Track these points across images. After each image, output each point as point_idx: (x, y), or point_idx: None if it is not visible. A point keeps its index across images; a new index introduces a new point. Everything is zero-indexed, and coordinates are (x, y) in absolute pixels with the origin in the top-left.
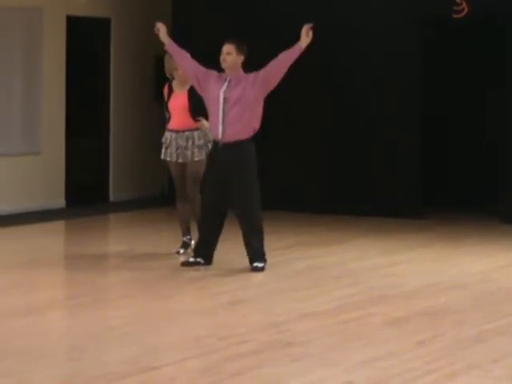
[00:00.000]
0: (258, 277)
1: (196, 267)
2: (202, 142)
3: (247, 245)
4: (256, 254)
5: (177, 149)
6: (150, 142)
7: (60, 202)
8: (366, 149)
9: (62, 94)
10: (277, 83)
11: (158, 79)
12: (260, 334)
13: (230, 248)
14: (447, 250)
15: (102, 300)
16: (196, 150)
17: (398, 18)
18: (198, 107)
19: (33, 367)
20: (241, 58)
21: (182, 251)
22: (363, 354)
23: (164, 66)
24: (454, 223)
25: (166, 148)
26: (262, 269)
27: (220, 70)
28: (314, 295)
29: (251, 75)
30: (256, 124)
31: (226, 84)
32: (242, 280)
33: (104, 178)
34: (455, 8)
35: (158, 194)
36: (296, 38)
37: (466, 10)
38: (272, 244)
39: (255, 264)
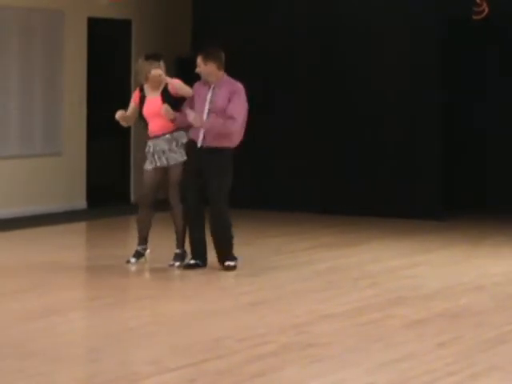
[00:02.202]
0: (277, 278)
1: (196, 269)
2: (184, 139)
3: (215, 244)
4: (224, 253)
5: (163, 152)
6: None
7: (81, 203)
8: (385, 150)
9: (83, 95)
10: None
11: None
12: (280, 335)
13: (250, 250)
14: (467, 252)
15: (122, 301)
16: (182, 150)
17: (416, 18)
18: (172, 108)
19: (54, 368)
20: (211, 66)
21: (133, 260)
22: (383, 356)
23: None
24: (474, 224)
25: (152, 156)
26: (234, 267)
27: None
28: (334, 297)
29: (231, 87)
30: (239, 134)
31: (210, 94)
32: (261, 281)
33: (125, 179)
34: (475, 9)
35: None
36: (311, 36)
37: (486, 11)
38: (291, 245)
39: (227, 263)
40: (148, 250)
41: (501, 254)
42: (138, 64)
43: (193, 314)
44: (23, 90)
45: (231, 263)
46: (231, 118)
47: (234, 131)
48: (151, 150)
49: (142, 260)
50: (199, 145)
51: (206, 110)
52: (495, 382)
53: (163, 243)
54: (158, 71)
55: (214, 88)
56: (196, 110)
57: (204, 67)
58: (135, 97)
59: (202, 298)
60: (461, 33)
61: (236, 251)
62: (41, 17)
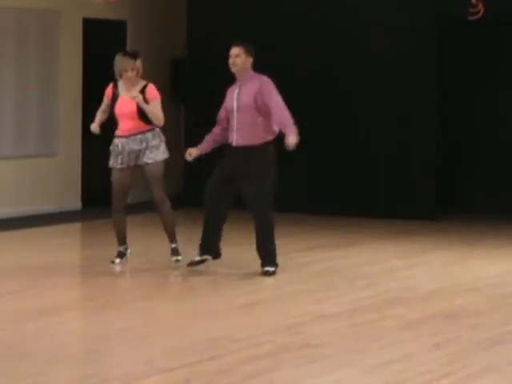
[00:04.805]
0: (272, 279)
1: (204, 264)
2: (156, 142)
3: (259, 248)
4: (267, 258)
5: (129, 153)
6: (166, 143)
7: (76, 203)
8: (380, 150)
9: (79, 96)
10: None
11: (174, 81)
12: (275, 335)
13: (245, 250)
14: (463, 253)
15: (117, 302)
16: (148, 151)
17: (412, 18)
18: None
19: (49, 369)
20: (249, 60)
21: (117, 261)
22: (379, 357)
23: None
24: (470, 225)
25: (117, 155)
26: (272, 273)
27: (231, 74)
28: (330, 297)
29: (258, 81)
30: (273, 127)
31: (237, 91)
32: (257, 282)
33: None
34: (471, 10)
35: (174, 195)
36: (308, 35)
37: (482, 12)
38: (287, 246)
39: (266, 268)
40: (129, 250)
41: (497, 255)
42: (115, 60)
43: (188, 314)
44: (18, 91)
45: (270, 269)
46: (273, 109)
47: (287, 119)
48: (119, 148)
49: (124, 260)
50: (234, 144)
51: (234, 108)
52: (490, 382)
53: (156, 244)
54: (136, 96)
55: (240, 85)
56: (226, 109)
57: (245, 59)
58: (108, 93)
59: (197, 299)
60: (458, 33)
61: (232, 252)
62: (36, 17)
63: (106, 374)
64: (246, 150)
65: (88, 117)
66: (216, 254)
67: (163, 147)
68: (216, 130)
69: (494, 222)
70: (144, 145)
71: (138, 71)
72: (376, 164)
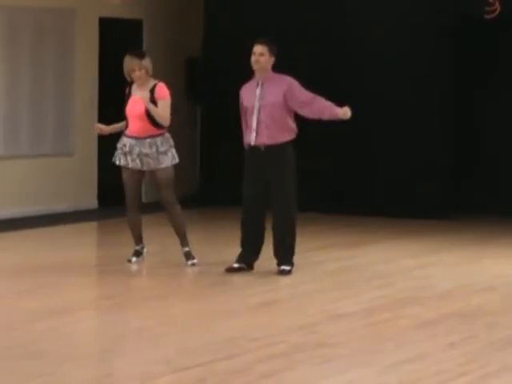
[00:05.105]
0: (288, 278)
1: (241, 272)
2: (165, 148)
3: (276, 247)
4: (284, 257)
5: (138, 155)
6: (182, 142)
7: (92, 202)
8: (393, 150)
9: (95, 95)
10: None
11: (190, 80)
12: (291, 335)
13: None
14: (478, 252)
15: (133, 301)
16: (160, 157)
17: (412, 18)
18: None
19: (64, 368)
20: (272, 60)
21: (134, 259)
22: (394, 356)
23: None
24: (484, 224)
25: (125, 154)
26: (288, 272)
27: (249, 71)
28: (345, 297)
29: (283, 81)
30: (293, 125)
31: (259, 90)
32: (272, 281)
33: None
34: (487, 8)
35: (190, 194)
36: (308, 35)
37: (498, 10)
38: (302, 245)
39: (282, 267)
40: (145, 249)
41: (509, 254)
42: (123, 61)
43: (203, 314)
44: (35, 90)
45: (287, 268)
46: (309, 101)
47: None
48: (127, 148)
49: (141, 259)
50: (253, 143)
51: (256, 108)
52: (507, 382)
53: (172, 243)
54: (142, 95)
55: (262, 84)
56: (247, 109)
57: (268, 58)
58: (126, 94)
59: (212, 299)
60: (458, 33)
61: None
62: (53, 16)
63: (122, 373)
64: (266, 149)
65: (104, 116)
66: (250, 267)
67: (172, 152)
68: (246, 129)
69: (505, 220)
70: (154, 149)
71: (146, 71)
72: (389, 163)
